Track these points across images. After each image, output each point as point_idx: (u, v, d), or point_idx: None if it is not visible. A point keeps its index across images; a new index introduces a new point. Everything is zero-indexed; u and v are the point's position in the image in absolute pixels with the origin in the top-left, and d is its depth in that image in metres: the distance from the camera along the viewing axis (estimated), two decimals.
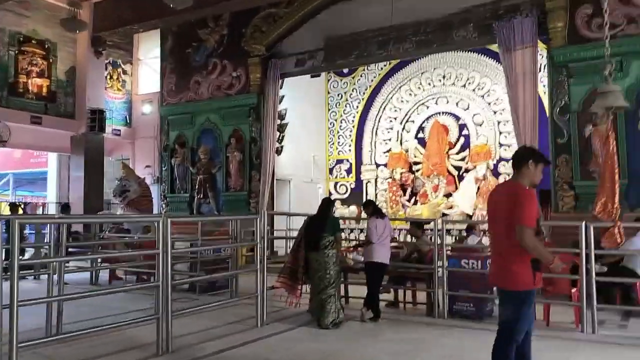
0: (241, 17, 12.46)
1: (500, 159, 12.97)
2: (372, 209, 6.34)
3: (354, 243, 8.53)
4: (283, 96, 12.38)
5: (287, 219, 8.75)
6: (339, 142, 15.33)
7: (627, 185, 8.29)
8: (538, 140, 9.25)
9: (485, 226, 10.98)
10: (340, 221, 6.81)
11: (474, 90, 13.50)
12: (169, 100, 13.85)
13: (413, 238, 7.40)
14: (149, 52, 15.17)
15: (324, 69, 12.82)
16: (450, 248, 6.54)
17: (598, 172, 8.56)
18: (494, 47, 13.02)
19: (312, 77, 13.30)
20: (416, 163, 13.96)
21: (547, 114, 9.28)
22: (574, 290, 5.95)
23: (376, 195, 14.51)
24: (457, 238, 8.63)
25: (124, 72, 15.24)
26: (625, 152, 8.37)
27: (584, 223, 5.62)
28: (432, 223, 6.48)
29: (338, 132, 15.32)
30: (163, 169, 13.84)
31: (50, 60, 13.27)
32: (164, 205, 13.68)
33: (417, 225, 7.08)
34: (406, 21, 10.73)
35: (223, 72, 12.87)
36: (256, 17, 12.22)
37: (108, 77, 14.72)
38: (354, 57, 11.44)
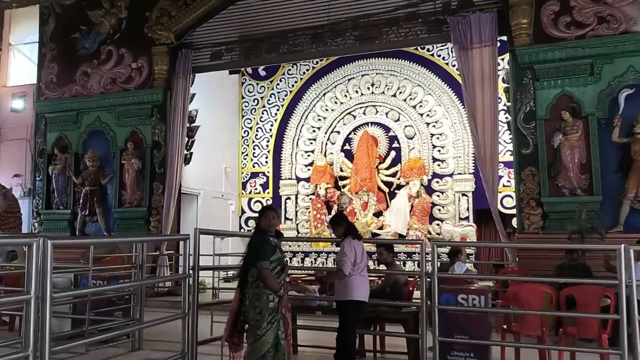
0: None
1: (435, 175, 11.92)
2: (346, 228, 4.64)
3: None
4: (194, 94, 10.36)
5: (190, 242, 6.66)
6: (254, 153, 13.50)
7: (602, 203, 7.37)
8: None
9: (471, 250, 9.91)
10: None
11: (405, 100, 12.41)
12: (48, 95, 11.25)
13: (382, 265, 5.79)
14: (23, 36, 12.39)
15: (245, 64, 11.02)
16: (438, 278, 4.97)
17: (569, 187, 7.65)
18: (427, 54, 12.24)
19: (230, 72, 11.40)
20: (343, 178, 12.53)
21: (510, 121, 8.21)
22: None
23: (296, 213, 12.85)
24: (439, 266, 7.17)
25: None
26: (598, 166, 7.47)
27: (622, 247, 4.35)
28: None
29: (253, 141, 13.51)
30: (37, 178, 11.15)
31: None
32: (36, 224, 10.95)
33: (387, 249, 5.49)
34: (345, 14, 9.32)
35: (120, 62, 10.60)
36: None
37: None
38: (283, 51, 9.76)
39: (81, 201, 10.46)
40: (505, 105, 8.92)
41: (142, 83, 10.36)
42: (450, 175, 11.77)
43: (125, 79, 10.52)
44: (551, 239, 7.40)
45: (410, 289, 5.33)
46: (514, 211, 10.39)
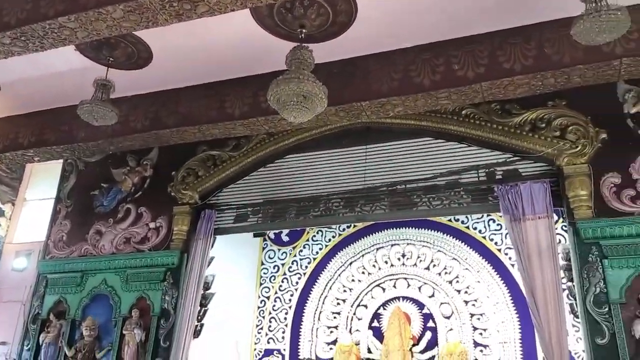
0: (173, 156, 10.03)
1: None
2: None
3: None
4: (213, 257, 9.49)
5: None
6: (269, 327, 12.14)
7: None
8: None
9: None
10: None
11: (439, 274, 11.37)
12: (54, 254, 10.44)
13: None
14: (41, 191, 11.98)
15: (272, 227, 10.25)
16: None
17: None
18: (461, 226, 11.51)
19: (255, 235, 10.65)
20: None
21: (577, 304, 7.08)
22: None
23: None
24: None
25: (1, 214, 11.75)
26: None
27: None
28: None
29: (270, 313, 12.24)
30: (25, 347, 9.81)
31: None
32: None
33: None
34: (381, 180, 8.82)
35: (138, 221, 9.94)
36: (193, 159, 9.84)
37: None
38: (313, 215, 9.09)
39: None
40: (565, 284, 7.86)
41: (158, 244, 9.56)
42: None
43: (141, 239, 9.75)
44: None
45: None
46: None
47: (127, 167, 10.47)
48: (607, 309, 6.74)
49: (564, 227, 8.85)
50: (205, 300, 9.46)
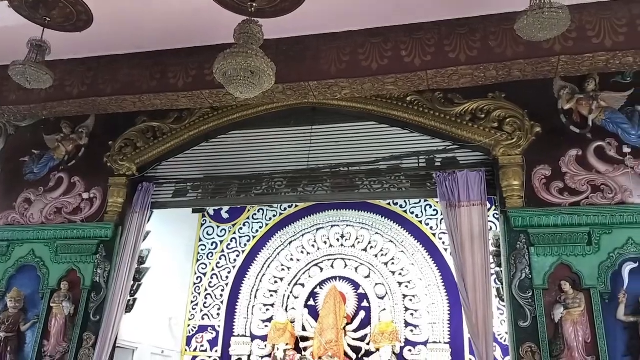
0: (110, 125, 9.65)
1: (407, 343, 10.75)
2: None
3: None
4: (149, 232, 9.28)
5: None
6: (204, 304, 12.06)
7: None
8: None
9: None
10: None
11: (376, 255, 11.65)
12: None
13: None
14: None
15: (212, 204, 10.12)
16: None
17: None
18: (399, 210, 11.79)
19: (194, 211, 10.45)
20: (305, 339, 11.14)
21: (504, 288, 7.44)
22: None
23: None
24: None
25: None
26: (605, 347, 6.63)
27: None
28: None
29: (206, 289, 12.15)
30: None
31: None
32: None
33: None
34: (325, 161, 8.84)
35: (70, 191, 9.52)
36: (131, 129, 9.50)
37: None
38: (254, 194, 9.01)
39: None
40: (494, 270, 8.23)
41: (91, 216, 9.20)
42: (425, 343, 10.64)
43: (73, 210, 9.36)
44: None
45: None
46: None
47: (61, 133, 9.97)
48: (530, 294, 7.10)
49: (495, 215, 9.24)
50: (139, 275, 9.24)
